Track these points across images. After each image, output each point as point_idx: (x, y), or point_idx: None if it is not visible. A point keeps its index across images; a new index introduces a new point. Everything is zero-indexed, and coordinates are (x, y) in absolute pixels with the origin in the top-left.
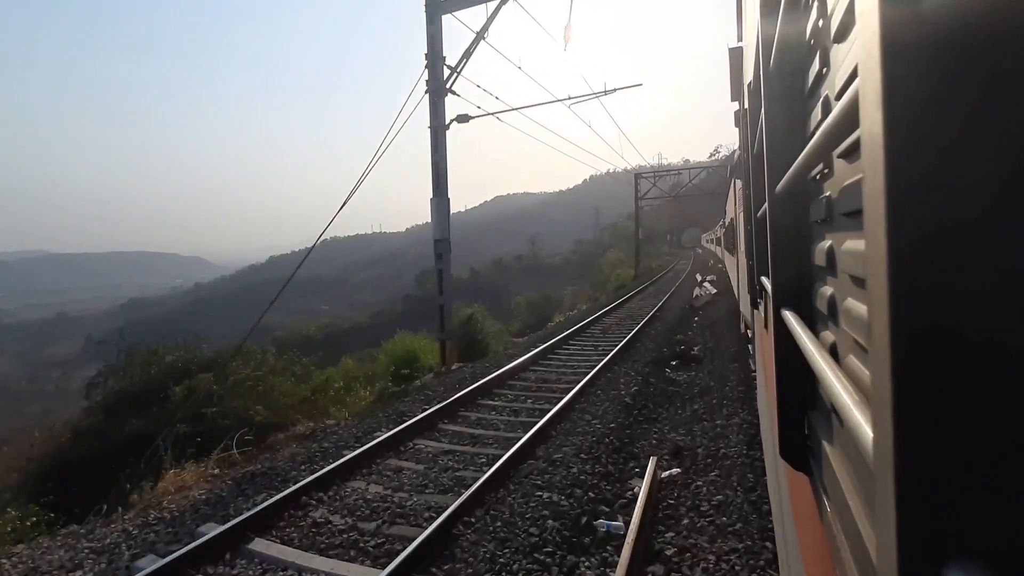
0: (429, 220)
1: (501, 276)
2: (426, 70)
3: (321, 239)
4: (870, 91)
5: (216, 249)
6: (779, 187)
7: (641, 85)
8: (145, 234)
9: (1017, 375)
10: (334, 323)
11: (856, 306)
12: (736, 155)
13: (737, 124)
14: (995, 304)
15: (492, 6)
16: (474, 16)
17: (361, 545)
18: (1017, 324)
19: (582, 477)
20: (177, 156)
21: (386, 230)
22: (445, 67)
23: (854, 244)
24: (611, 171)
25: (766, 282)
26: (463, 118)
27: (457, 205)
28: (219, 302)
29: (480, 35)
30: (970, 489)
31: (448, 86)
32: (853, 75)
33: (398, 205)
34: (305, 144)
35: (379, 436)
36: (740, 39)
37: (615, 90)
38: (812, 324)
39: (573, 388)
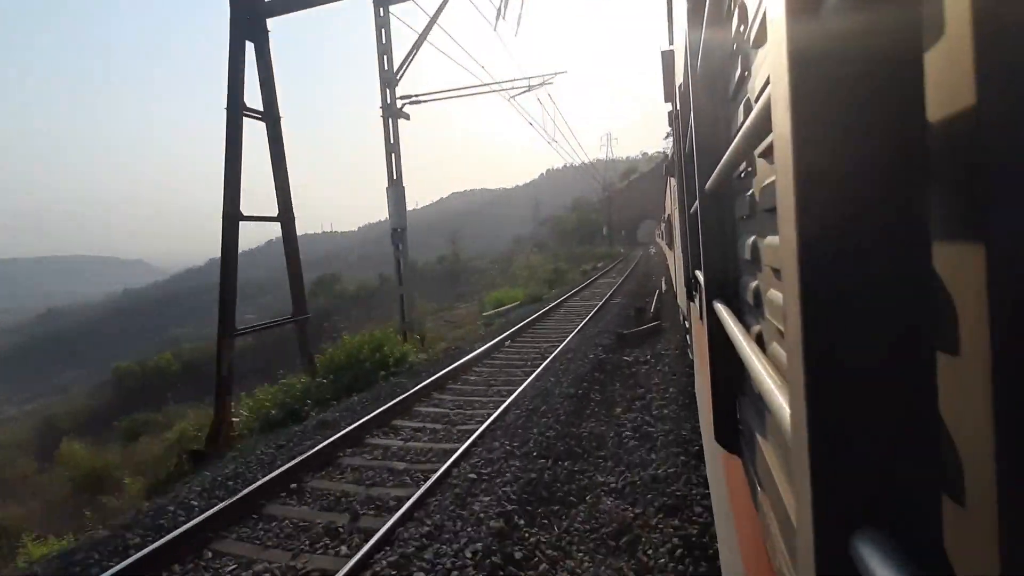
0: (382, 219)
1: (416, 282)
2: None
3: (267, 240)
4: (780, 96)
5: (160, 252)
6: (708, 185)
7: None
8: (82, 238)
9: (912, 353)
10: (207, 347)
11: (777, 297)
12: (671, 154)
13: (670, 124)
14: (893, 289)
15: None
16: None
17: None
18: (912, 307)
19: None
20: (116, 155)
21: (338, 229)
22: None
23: (774, 239)
24: (568, 165)
25: (699, 276)
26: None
27: (409, 203)
28: (142, 310)
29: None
30: (877, 462)
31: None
32: (769, 80)
33: (351, 204)
34: (256, 139)
35: None
36: (671, 43)
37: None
38: (741, 315)
39: None
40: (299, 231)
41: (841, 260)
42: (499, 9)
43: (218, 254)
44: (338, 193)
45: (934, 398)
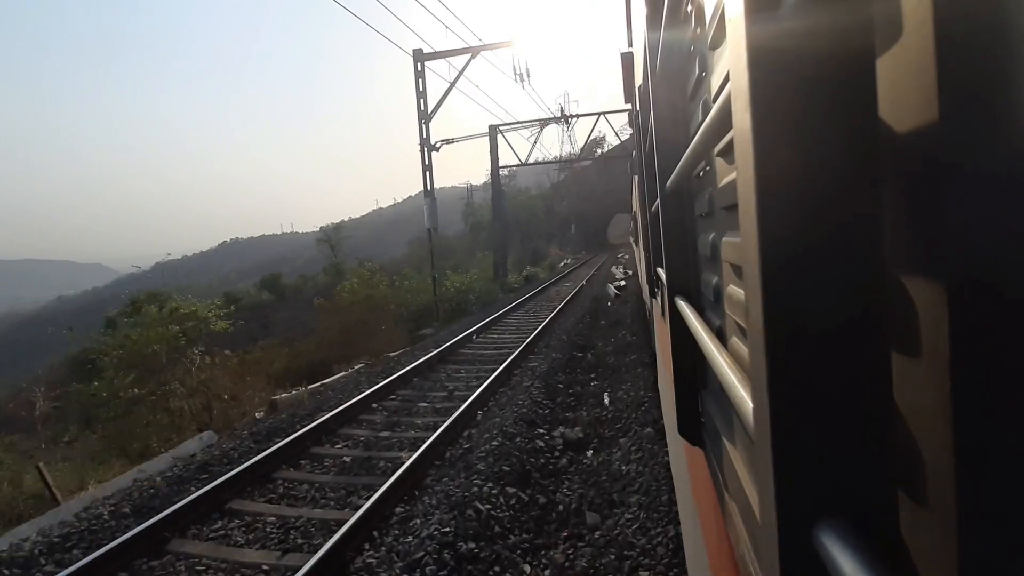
0: (344, 219)
1: (276, 306)
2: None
3: (221, 241)
4: (739, 95)
5: (122, 254)
6: (668, 184)
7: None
8: (34, 240)
9: (869, 347)
10: None
11: (737, 292)
12: (634, 153)
13: (631, 124)
14: (851, 285)
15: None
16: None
17: None
18: (870, 302)
19: None
20: (72, 152)
21: (299, 230)
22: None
23: (733, 236)
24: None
25: (661, 273)
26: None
27: (368, 204)
28: (65, 320)
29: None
30: (837, 453)
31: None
32: (726, 80)
33: (313, 203)
34: (222, 138)
35: None
36: (630, 44)
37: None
38: (702, 310)
39: None
40: (258, 231)
41: (800, 256)
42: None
43: (168, 256)
44: (300, 192)
45: (890, 390)
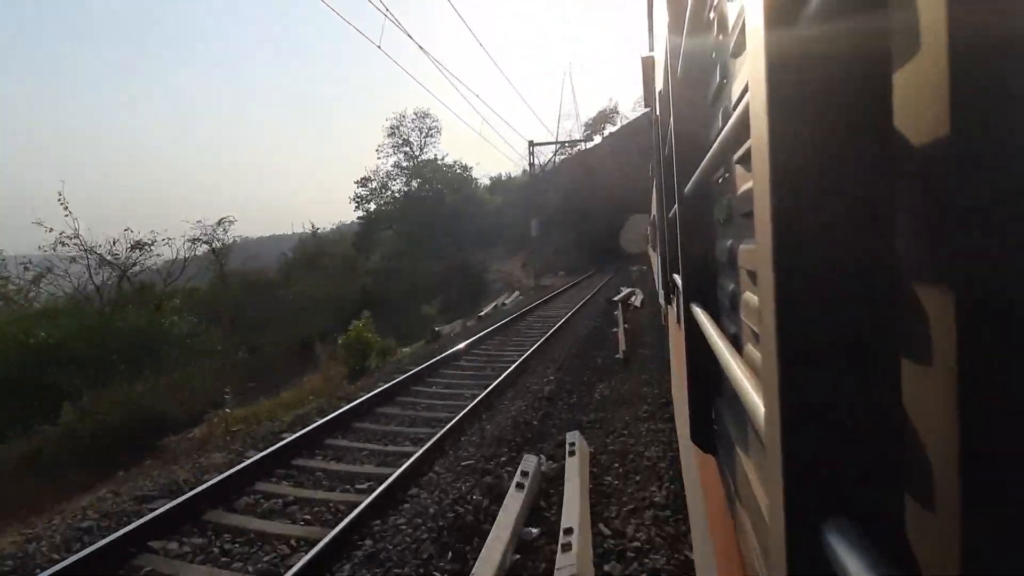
0: (355, 219)
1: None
2: None
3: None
4: (758, 103)
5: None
6: (687, 189)
7: None
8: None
9: (880, 353)
10: None
11: (753, 299)
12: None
13: (651, 129)
14: (862, 292)
15: None
16: None
17: None
18: (880, 309)
19: None
20: (93, 145)
21: (307, 229)
22: None
23: (750, 243)
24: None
25: (677, 279)
26: None
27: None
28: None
29: None
30: (845, 455)
31: None
32: (747, 88)
33: (327, 202)
34: (231, 134)
35: None
36: (651, 49)
37: None
38: (717, 317)
39: None
40: (268, 231)
41: (814, 263)
42: None
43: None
44: (315, 191)
45: (899, 396)
